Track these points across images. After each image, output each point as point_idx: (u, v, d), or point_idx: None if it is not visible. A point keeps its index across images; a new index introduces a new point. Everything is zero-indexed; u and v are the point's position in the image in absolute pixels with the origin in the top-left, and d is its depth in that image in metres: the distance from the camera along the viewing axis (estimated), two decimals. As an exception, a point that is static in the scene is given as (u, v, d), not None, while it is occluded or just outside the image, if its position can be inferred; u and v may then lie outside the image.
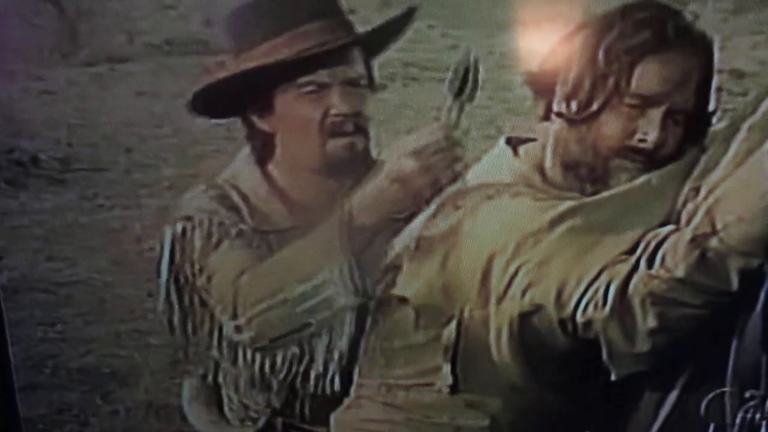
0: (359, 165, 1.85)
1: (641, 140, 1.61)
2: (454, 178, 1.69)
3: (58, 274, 2.16)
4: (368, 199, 1.73)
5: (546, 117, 1.69)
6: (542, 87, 1.68)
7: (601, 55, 1.61)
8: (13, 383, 2.12)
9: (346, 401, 1.82)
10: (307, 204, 1.86)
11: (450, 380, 1.68)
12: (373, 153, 1.88)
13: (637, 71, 1.60)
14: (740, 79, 1.93)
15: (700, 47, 1.63)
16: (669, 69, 1.61)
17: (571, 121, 1.65)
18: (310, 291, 1.75)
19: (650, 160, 1.62)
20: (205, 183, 1.90)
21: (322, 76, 1.81)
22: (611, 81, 1.61)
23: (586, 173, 1.65)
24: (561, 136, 1.67)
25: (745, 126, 1.57)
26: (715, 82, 1.72)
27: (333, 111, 1.82)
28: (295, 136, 1.85)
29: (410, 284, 1.69)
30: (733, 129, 1.59)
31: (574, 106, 1.64)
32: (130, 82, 2.11)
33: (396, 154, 1.71)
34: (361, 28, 1.87)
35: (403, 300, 1.70)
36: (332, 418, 1.82)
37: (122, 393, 2.15)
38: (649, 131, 1.60)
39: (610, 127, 1.62)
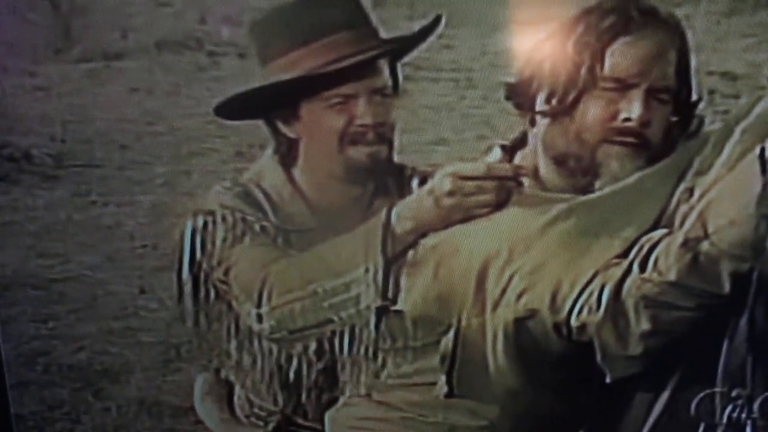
0: (382, 172, 1.86)
1: (626, 119, 1.62)
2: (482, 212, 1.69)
3: (50, 270, 2.15)
4: (408, 208, 1.73)
5: (533, 123, 1.70)
6: (522, 97, 1.70)
7: (570, 49, 1.64)
8: (4, 380, 2.11)
9: (341, 399, 1.82)
10: (330, 208, 1.86)
11: (446, 390, 1.68)
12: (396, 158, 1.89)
13: (609, 55, 1.62)
14: (733, 81, 1.94)
15: (669, 25, 1.64)
16: (640, 48, 1.62)
17: (553, 116, 1.66)
18: (341, 287, 1.75)
19: (639, 142, 1.63)
20: (229, 180, 1.90)
21: (348, 87, 1.81)
22: (584, 69, 1.62)
23: (574, 165, 1.65)
24: (547, 134, 1.68)
25: (738, 129, 1.58)
26: (708, 84, 1.74)
27: (357, 121, 1.82)
28: (319, 143, 1.85)
29: (407, 298, 1.69)
30: (727, 131, 1.59)
31: (554, 102, 1.65)
32: (124, 79, 2.11)
33: (441, 171, 1.71)
34: (386, 35, 1.86)
35: (396, 312, 1.71)
36: (327, 416, 1.82)
37: (114, 390, 2.15)
38: (633, 110, 1.61)
39: (592, 114, 1.63)
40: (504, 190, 1.67)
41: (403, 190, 1.81)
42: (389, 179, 1.87)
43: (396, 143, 1.87)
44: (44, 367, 2.16)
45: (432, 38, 1.88)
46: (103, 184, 2.12)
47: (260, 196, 1.87)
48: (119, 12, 2.08)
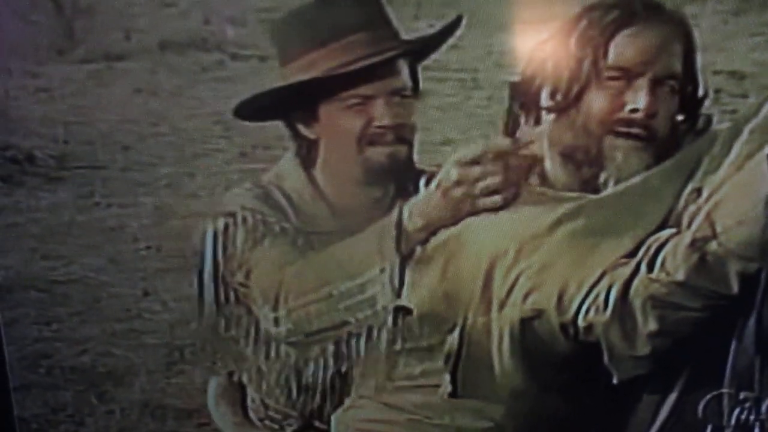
0: (402, 174, 1.85)
1: (633, 110, 1.63)
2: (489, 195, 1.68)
3: (53, 272, 2.15)
4: (419, 205, 1.71)
5: (538, 122, 1.70)
6: (526, 95, 1.70)
7: (573, 44, 1.65)
8: (7, 382, 2.11)
9: (347, 401, 1.81)
10: (351, 210, 1.85)
11: (450, 388, 1.68)
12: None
13: (612, 46, 1.63)
14: (740, 80, 1.94)
15: (674, 19, 1.66)
16: (644, 38, 1.63)
17: (559, 111, 1.66)
18: (356, 288, 1.74)
19: (645, 134, 1.63)
20: (250, 181, 1.90)
21: (366, 88, 1.80)
22: (588, 62, 1.63)
23: (582, 157, 1.65)
24: (554, 129, 1.68)
25: (747, 128, 1.57)
26: (715, 83, 1.74)
27: (375, 123, 1.81)
28: (338, 144, 1.84)
29: (413, 294, 1.68)
30: (735, 131, 1.59)
31: (558, 97, 1.66)
32: (127, 80, 2.10)
33: (448, 163, 1.70)
34: (406, 36, 1.86)
35: (405, 310, 1.70)
36: (333, 418, 1.82)
37: (118, 393, 2.14)
38: (639, 100, 1.62)
39: (598, 105, 1.64)
40: (511, 172, 1.66)
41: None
42: (410, 181, 1.86)
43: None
44: (47, 369, 2.15)
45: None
46: (106, 185, 2.11)
47: (281, 198, 1.87)
48: (123, 13, 2.07)
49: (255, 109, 1.87)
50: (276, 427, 1.91)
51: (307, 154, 1.88)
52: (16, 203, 2.15)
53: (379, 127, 1.81)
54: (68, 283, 2.14)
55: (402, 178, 1.85)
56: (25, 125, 2.13)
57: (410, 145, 1.85)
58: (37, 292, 2.15)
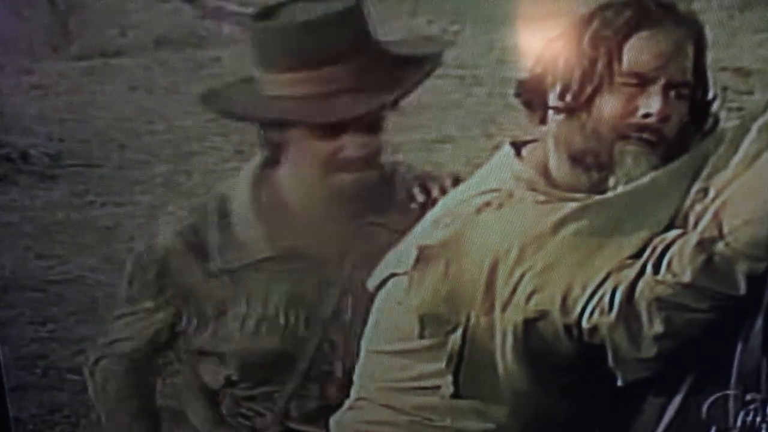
0: (370, 195, 1.83)
1: (645, 115, 1.60)
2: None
3: (48, 271, 2.14)
4: None
5: (543, 121, 1.68)
6: (534, 93, 1.68)
7: (586, 44, 1.62)
8: (3, 383, 2.10)
9: (347, 403, 1.80)
10: (306, 221, 1.83)
11: (452, 389, 1.65)
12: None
13: (627, 50, 1.61)
14: (746, 77, 1.93)
15: (687, 19, 1.64)
16: (658, 42, 1.61)
17: (569, 112, 1.64)
18: None
19: (656, 139, 1.61)
20: (193, 204, 1.88)
21: (338, 127, 1.78)
22: (600, 64, 1.61)
23: (592, 160, 1.63)
24: (562, 130, 1.66)
25: (755, 126, 1.56)
26: (720, 80, 1.72)
27: (343, 153, 1.79)
28: (304, 162, 1.82)
29: (417, 294, 1.66)
30: (743, 129, 1.57)
31: (569, 97, 1.63)
32: (122, 77, 2.10)
33: None
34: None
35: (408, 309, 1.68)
36: (332, 420, 1.80)
37: (114, 393, 2.13)
38: (652, 104, 1.60)
39: (609, 108, 1.62)
40: None
41: (392, 203, 1.80)
42: (376, 198, 1.84)
43: (389, 149, 1.85)
44: (43, 370, 2.15)
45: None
46: (101, 183, 2.11)
47: (212, 227, 1.84)
48: (118, 9, 2.07)
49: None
50: (247, 423, 1.91)
51: (273, 155, 1.84)
52: (11, 202, 2.14)
53: (347, 158, 1.78)
54: (63, 283, 2.14)
55: (371, 198, 1.83)
56: (20, 123, 2.12)
57: (377, 167, 1.81)
58: (32, 291, 2.15)
